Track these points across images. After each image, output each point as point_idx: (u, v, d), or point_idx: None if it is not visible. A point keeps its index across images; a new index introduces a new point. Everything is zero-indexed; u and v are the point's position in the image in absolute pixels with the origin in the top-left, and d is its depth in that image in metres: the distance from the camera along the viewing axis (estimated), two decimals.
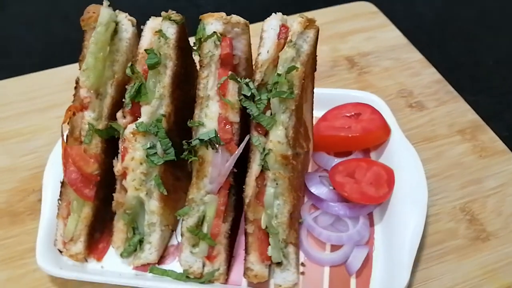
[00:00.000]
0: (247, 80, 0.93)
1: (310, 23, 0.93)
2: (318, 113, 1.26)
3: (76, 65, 1.07)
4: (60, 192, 1.02)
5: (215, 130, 0.93)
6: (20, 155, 1.29)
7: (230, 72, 0.94)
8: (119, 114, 0.99)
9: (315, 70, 1.04)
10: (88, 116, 0.99)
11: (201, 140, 0.93)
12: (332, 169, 1.11)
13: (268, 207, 0.95)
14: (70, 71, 1.49)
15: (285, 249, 0.96)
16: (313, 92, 1.10)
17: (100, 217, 1.04)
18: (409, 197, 1.04)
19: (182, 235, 0.98)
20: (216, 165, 0.95)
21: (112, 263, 1.03)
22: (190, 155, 0.95)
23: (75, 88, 0.99)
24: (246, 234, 0.96)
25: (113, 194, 0.99)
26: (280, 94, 0.91)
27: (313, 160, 1.20)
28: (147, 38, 0.99)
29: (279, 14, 0.95)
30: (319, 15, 1.64)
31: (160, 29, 0.95)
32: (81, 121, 0.99)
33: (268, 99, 0.92)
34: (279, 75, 0.91)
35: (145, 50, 0.96)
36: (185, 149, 0.95)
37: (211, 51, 0.93)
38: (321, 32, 1.53)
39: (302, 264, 1.01)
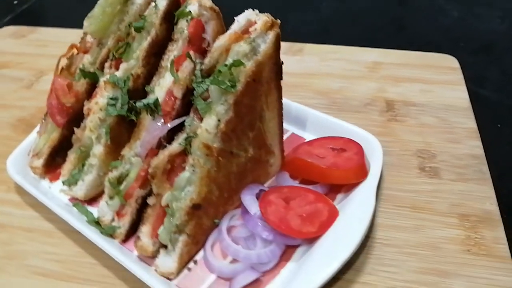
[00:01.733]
0: (197, 61, 0.95)
1: (273, 25, 0.90)
2: (313, 137, 1.20)
3: None
4: (45, 113, 1.18)
5: (157, 99, 0.97)
6: None
7: (189, 51, 0.96)
8: (106, 64, 1.11)
9: (280, 78, 0.99)
10: (86, 59, 1.14)
11: (144, 104, 0.98)
12: (276, 187, 1.04)
13: (177, 188, 0.94)
14: None
15: (174, 235, 0.94)
16: (281, 103, 1.04)
17: (66, 147, 1.16)
18: (334, 246, 0.91)
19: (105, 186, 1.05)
20: (149, 132, 0.99)
21: (58, 188, 1.15)
22: (131, 115, 1.01)
23: (84, 33, 1.15)
24: (146, 204, 0.97)
25: (75, 129, 1.11)
26: (219, 84, 0.90)
27: (276, 178, 1.13)
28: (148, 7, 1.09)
29: (255, 11, 0.94)
30: (392, 54, 1.56)
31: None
32: (79, 61, 1.15)
33: (208, 85, 0.92)
34: (225, 65, 0.91)
35: (139, 15, 1.06)
36: (129, 107, 1.01)
37: (182, 27, 0.98)
38: (380, 70, 1.43)
39: (195, 262, 0.97)
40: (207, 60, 0.94)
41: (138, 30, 1.04)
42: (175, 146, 0.95)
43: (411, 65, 1.51)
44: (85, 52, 1.14)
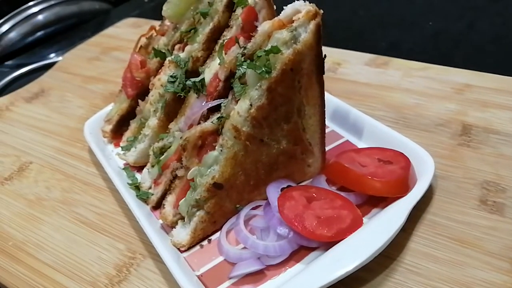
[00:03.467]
0: (242, 45, 0.97)
1: (316, 15, 0.88)
2: (364, 145, 1.13)
3: None
4: (122, 84, 1.32)
5: (203, 79, 1.02)
6: None
7: (237, 36, 1.00)
8: (176, 46, 1.21)
9: (322, 72, 0.96)
10: (162, 40, 1.25)
11: (192, 83, 1.04)
12: (304, 186, 1.00)
13: (204, 165, 0.97)
14: None
15: (193, 209, 0.97)
16: (323, 99, 1.00)
17: (133, 117, 1.28)
18: (341, 257, 0.84)
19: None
20: (192, 109, 1.04)
21: (119, 151, 1.27)
22: (181, 92, 1.07)
23: (163, 16, 1.26)
24: (176, 175, 1.02)
25: (139, 101, 1.22)
26: (255, 68, 0.91)
27: (312, 180, 1.08)
28: None
29: (306, 3, 0.93)
30: (487, 77, 1.39)
31: None
32: (156, 42, 1.26)
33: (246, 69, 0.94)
34: (264, 51, 0.91)
35: (208, 2, 1.13)
36: (182, 86, 1.08)
37: (237, 14, 1.02)
38: (467, 93, 1.29)
39: (209, 241, 0.99)
40: (249, 45, 0.96)
41: (204, 15, 1.11)
42: (208, 124, 0.98)
43: (506, 91, 1.33)
44: (163, 34, 1.25)
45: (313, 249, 0.93)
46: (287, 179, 1.04)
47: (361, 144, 1.16)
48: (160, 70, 1.19)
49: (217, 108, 1.00)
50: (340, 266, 0.82)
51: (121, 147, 1.24)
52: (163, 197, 1.07)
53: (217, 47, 1.06)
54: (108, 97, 1.57)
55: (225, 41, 1.01)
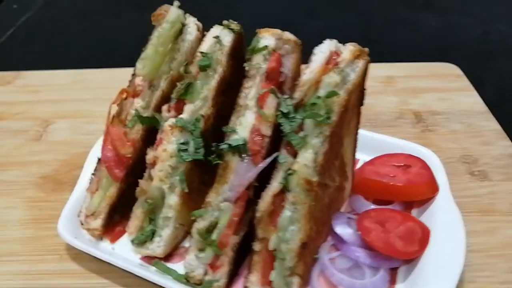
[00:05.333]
0: (287, 97, 0.93)
1: (361, 54, 0.91)
2: (366, 157, 1.21)
3: None
4: (95, 167, 1.08)
5: (245, 139, 0.93)
6: (80, 133, 1.40)
7: (271, 87, 0.94)
8: (164, 107, 1.04)
9: (361, 104, 1.01)
10: (137, 103, 1.06)
11: (230, 146, 0.93)
12: (363, 213, 1.04)
13: (281, 229, 0.91)
14: None
15: (289, 278, 0.90)
16: (358, 128, 1.06)
17: (124, 201, 1.07)
18: (442, 262, 0.93)
19: (192, 236, 0.98)
20: (238, 174, 0.94)
21: (123, 248, 1.05)
22: (216, 158, 0.95)
23: (132, 75, 1.07)
24: (252, 251, 0.92)
25: (139, 181, 1.02)
26: (315, 116, 0.89)
27: (349, 202, 1.13)
28: (207, 44, 1.04)
29: (334, 40, 0.95)
30: (398, 67, 1.64)
31: (218, 35, 1.00)
32: (129, 106, 1.06)
33: (303, 119, 0.91)
34: (318, 97, 0.90)
35: (201, 52, 1.01)
36: (213, 151, 0.96)
37: (259, 63, 0.95)
38: (394, 84, 1.50)
39: None
40: (297, 94, 0.92)
41: (204, 68, 0.99)
42: (275, 185, 0.91)
43: (420, 76, 1.61)
44: (135, 96, 1.06)
45: (397, 268, 0.99)
46: (335, 211, 1.06)
47: (361, 156, 1.23)
48: (158, 140, 1.01)
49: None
50: (449, 276, 0.90)
51: (132, 240, 1.02)
52: (231, 281, 0.95)
53: (240, 101, 0.96)
54: (43, 185, 1.23)
55: (258, 94, 0.94)
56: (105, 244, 1.06)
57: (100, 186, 1.06)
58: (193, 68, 1.01)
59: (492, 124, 1.39)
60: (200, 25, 1.07)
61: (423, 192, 1.08)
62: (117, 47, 1.99)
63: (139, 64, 1.03)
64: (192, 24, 1.07)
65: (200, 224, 0.96)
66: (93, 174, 1.08)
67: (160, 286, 0.95)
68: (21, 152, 1.34)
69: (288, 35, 0.94)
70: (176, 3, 1.04)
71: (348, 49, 0.92)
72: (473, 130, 1.38)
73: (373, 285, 0.93)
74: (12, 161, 1.31)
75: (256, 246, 0.91)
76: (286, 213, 0.91)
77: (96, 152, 1.19)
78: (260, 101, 0.94)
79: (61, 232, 1.03)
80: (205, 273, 0.96)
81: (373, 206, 1.10)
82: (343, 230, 1.01)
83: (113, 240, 1.06)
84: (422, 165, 1.13)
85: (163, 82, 1.06)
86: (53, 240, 1.08)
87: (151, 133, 1.06)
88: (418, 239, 0.98)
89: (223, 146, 0.94)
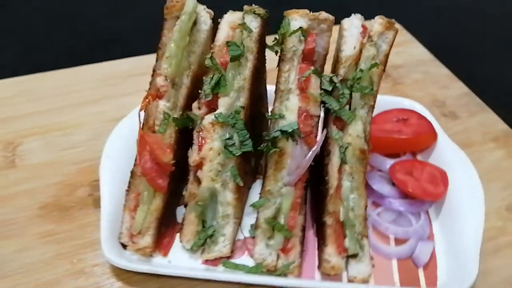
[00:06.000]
0: (330, 75, 0.97)
1: (390, 25, 0.98)
2: None
3: (112, 62, 1.11)
4: (129, 183, 0.99)
5: (296, 123, 0.94)
6: (61, 149, 1.24)
7: (312, 67, 0.96)
8: (195, 105, 0.99)
9: (384, 70, 1.09)
10: (163, 105, 0.98)
11: (283, 132, 0.94)
12: (391, 169, 1.15)
13: (345, 200, 0.97)
14: (107, 67, 1.49)
15: (361, 241, 0.98)
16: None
17: (167, 210, 1.01)
18: (466, 193, 1.08)
19: (257, 227, 0.98)
20: (295, 157, 0.96)
21: (179, 257, 1.00)
22: (270, 147, 0.95)
23: (152, 76, 0.99)
24: (324, 226, 0.97)
25: (187, 186, 0.98)
26: (362, 90, 0.95)
27: (370, 161, 1.23)
28: (225, 31, 1.00)
29: (358, 15, 0.99)
30: None
31: (244, 22, 0.97)
32: (155, 110, 0.98)
33: (350, 94, 0.96)
34: (361, 71, 0.95)
35: (227, 42, 0.97)
36: (265, 140, 0.96)
37: (295, 45, 0.96)
38: None
39: (371, 258, 1.03)
40: (341, 71, 0.96)
41: (236, 58, 0.96)
42: (336, 160, 0.96)
43: None
44: (159, 97, 0.98)
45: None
46: None
47: None
48: (198, 140, 0.97)
49: None
50: (476, 204, 1.07)
51: (191, 247, 0.98)
52: (302, 258, 0.99)
53: (281, 86, 0.96)
54: (47, 215, 1.07)
55: (304, 77, 0.94)
56: (158, 259, 1.00)
57: (141, 201, 0.97)
58: (217, 60, 0.97)
59: (443, 70, 1.61)
60: (212, 12, 1.02)
61: (428, 139, 1.22)
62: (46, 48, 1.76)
63: (164, 64, 0.95)
64: (204, 12, 1.01)
65: (266, 213, 0.97)
66: (127, 191, 0.99)
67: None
68: (2, 185, 1.14)
69: (324, 14, 0.95)
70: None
71: (378, 22, 0.97)
72: (431, 77, 1.57)
73: (422, 229, 1.05)
74: None
75: (328, 220, 0.96)
76: (346, 184, 0.97)
77: (107, 164, 1.08)
78: (306, 83, 0.95)
79: (111, 258, 0.94)
80: (278, 258, 0.98)
81: (389, 160, 1.21)
82: (381, 187, 1.11)
83: (166, 253, 1.00)
84: (417, 116, 1.27)
85: (186, 79, 1.00)
86: (94, 271, 0.98)
87: (182, 134, 1.00)
88: (441, 180, 1.12)
89: (276, 133, 0.94)
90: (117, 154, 1.12)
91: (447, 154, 1.19)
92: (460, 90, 1.53)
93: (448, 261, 1.01)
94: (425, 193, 1.08)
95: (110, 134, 1.16)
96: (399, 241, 1.05)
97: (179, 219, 1.05)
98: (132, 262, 0.96)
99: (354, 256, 0.98)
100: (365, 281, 0.97)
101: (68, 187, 1.14)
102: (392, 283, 0.98)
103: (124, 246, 1.00)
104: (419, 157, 1.25)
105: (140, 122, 0.97)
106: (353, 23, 0.97)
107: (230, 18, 1.01)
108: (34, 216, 1.08)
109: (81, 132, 1.29)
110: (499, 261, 1.04)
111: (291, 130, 0.93)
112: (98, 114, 1.34)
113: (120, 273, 0.98)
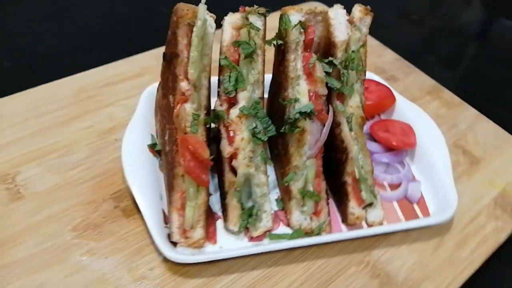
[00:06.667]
0: (330, 58, 1.13)
1: (367, 11, 1.17)
2: None
3: (76, 76, 1.36)
4: (171, 185, 1.05)
5: (311, 104, 1.10)
6: (64, 170, 1.22)
7: (313, 54, 1.12)
8: (217, 103, 1.09)
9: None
10: (190, 107, 1.05)
11: (301, 113, 1.09)
12: (371, 129, 1.38)
13: (356, 160, 1.16)
14: (73, 82, 1.46)
15: (374, 191, 1.18)
16: None
17: None
18: (429, 138, 1.35)
19: (291, 199, 1.12)
20: (313, 133, 1.12)
21: (226, 242, 1.10)
22: (292, 128, 1.10)
23: (175, 82, 1.04)
24: (345, 185, 1.15)
25: (226, 175, 1.07)
26: (357, 68, 1.14)
27: None
28: (229, 32, 1.10)
29: (339, 4, 1.16)
30: None
31: (250, 22, 1.08)
32: (184, 113, 1.05)
33: (348, 73, 1.14)
34: (353, 52, 1.14)
35: (238, 42, 1.07)
36: (287, 123, 1.10)
37: (297, 37, 1.10)
38: None
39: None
40: (339, 54, 1.13)
41: (249, 55, 1.07)
42: (346, 130, 1.14)
43: None
44: (185, 101, 1.05)
45: None
46: None
47: None
48: (228, 134, 1.07)
49: None
50: (439, 143, 1.35)
51: (239, 229, 1.09)
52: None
53: (290, 74, 1.10)
54: (84, 237, 1.08)
55: (311, 64, 1.09)
56: (209, 248, 1.09)
57: (188, 198, 1.05)
58: (231, 58, 1.07)
59: (374, 41, 1.88)
60: (215, 16, 1.10)
61: (390, 101, 1.47)
62: None
63: (191, 69, 1.02)
64: (208, 16, 1.09)
65: (297, 185, 1.12)
66: (170, 192, 1.05)
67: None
68: (16, 220, 1.09)
69: (320, 8, 1.10)
70: (203, 0, 1.03)
71: (358, 10, 1.16)
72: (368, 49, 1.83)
73: (408, 172, 1.31)
74: (17, 233, 1.06)
75: (348, 179, 1.15)
76: (355, 147, 1.16)
77: (131, 174, 1.12)
78: (313, 69, 1.10)
79: (175, 257, 1.01)
80: (311, 222, 1.14)
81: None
82: (369, 145, 1.32)
83: (214, 240, 1.10)
84: (375, 83, 1.51)
85: (205, 80, 1.08)
86: (154, 273, 1.04)
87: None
88: (410, 132, 1.38)
89: (296, 115, 1.09)
90: (136, 162, 1.15)
91: (405, 110, 1.46)
92: (392, 56, 1.82)
93: (432, 194, 1.27)
94: (404, 144, 1.33)
95: (123, 143, 1.18)
96: (393, 187, 1.29)
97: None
98: (192, 255, 1.03)
99: (370, 205, 1.18)
100: (381, 223, 1.18)
101: (90, 205, 1.15)
102: (398, 220, 1.22)
103: (174, 244, 1.06)
104: (383, 117, 1.50)
105: (179, 126, 1.03)
106: (338, 12, 1.15)
107: (231, 19, 1.11)
108: (69, 239, 1.07)
109: (78, 151, 1.27)
110: (462, 186, 1.34)
111: (309, 110, 1.08)
112: (87, 130, 1.33)
113: (178, 269, 1.05)
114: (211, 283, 1.04)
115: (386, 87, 1.49)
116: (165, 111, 1.14)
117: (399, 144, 1.32)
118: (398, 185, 1.29)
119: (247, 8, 1.09)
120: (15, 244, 1.05)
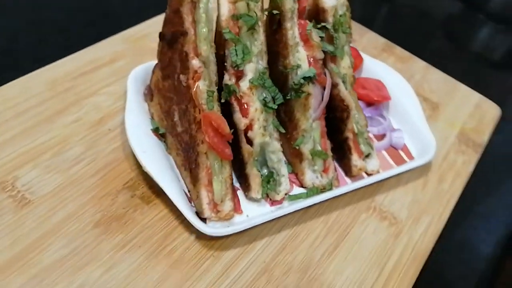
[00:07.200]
0: (323, 24, 1.19)
1: None
2: None
3: (47, 67, 1.27)
4: (196, 163, 1.06)
5: (313, 69, 1.16)
6: (66, 168, 1.15)
7: (308, 21, 1.17)
8: (226, 77, 1.10)
9: None
10: (203, 84, 1.06)
11: (305, 78, 1.15)
12: None
13: (353, 116, 1.26)
14: (46, 74, 1.36)
15: (370, 142, 1.30)
16: None
17: None
18: (399, 89, 1.50)
19: (302, 160, 1.19)
20: (316, 96, 1.18)
21: (251, 209, 1.15)
22: (298, 93, 1.15)
23: (186, 60, 1.04)
24: (347, 140, 1.25)
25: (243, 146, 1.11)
26: (346, 31, 1.22)
27: None
28: (226, 6, 1.11)
29: None
30: None
31: None
32: (199, 91, 1.05)
33: (339, 36, 1.21)
34: (341, 16, 1.21)
35: (239, 15, 1.09)
36: (292, 89, 1.15)
37: (292, 6, 1.14)
38: None
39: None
40: (331, 19, 1.19)
41: (252, 27, 1.09)
42: (343, 88, 1.23)
43: None
44: (197, 79, 1.05)
45: None
46: None
47: None
48: (241, 106, 1.10)
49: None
50: (408, 93, 1.50)
51: (261, 195, 1.13)
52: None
53: (290, 41, 1.14)
54: (110, 228, 1.05)
55: (309, 31, 1.14)
56: (237, 218, 1.12)
57: (214, 173, 1.06)
58: (233, 31, 1.09)
59: None
60: None
61: (359, 62, 1.58)
62: None
63: (204, 46, 1.02)
64: None
65: (308, 147, 1.19)
66: (195, 170, 1.06)
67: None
68: (32, 226, 1.02)
69: None
70: None
71: None
72: None
73: (389, 123, 1.44)
74: (38, 240, 1.00)
75: (349, 135, 1.24)
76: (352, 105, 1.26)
77: (146, 160, 1.10)
78: (310, 35, 1.16)
79: (214, 231, 1.04)
80: (321, 179, 1.23)
81: None
82: None
83: (240, 210, 1.13)
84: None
85: (212, 56, 1.08)
86: (190, 254, 1.05)
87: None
88: (383, 86, 1.52)
89: (301, 80, 1.15)
90: (147, 147, 1.14)
91: (373, 67, 1.58)
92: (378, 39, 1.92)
93: (412, 139, 1.42)
94: (382, 98, 1.46)
95: (128, 131, 1.15)
96: (378, 138, 1.42)
97: None
98: (224, 227, 1.06)
99: (367, 156, 1.30)
100: (378, 171, 1.31)
101: (106, 198, 1.11)
102: (390, 166, 1.35)
103: (204, 221, 1.09)
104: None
105: (199, 104, 1.03)
106: None
107: None
108: (96, 236, 1.04)
109: (73, 147, 1.20)
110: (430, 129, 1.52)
111: (313, 74, 1.15)
112: (75, 124, 1.25)
113: (212, 244, 1.08)
114: (246, 251, 1.09)
115: (354, 48, 1.59)
116: (170, 92, 1.13)
117: (378, 98, 1.45)
118: (383, 136, 1.42)
119: None
120: (40, 250, 0.99)
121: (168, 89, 1.13)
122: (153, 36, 1.54)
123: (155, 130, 1.21)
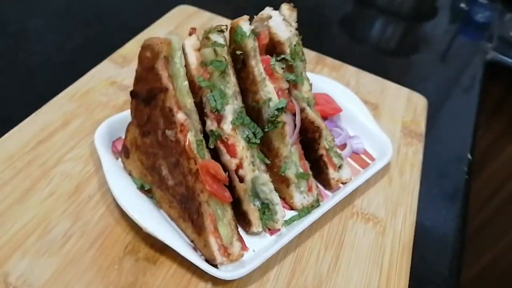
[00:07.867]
0: (282, 56, 1.27)
1: (292, 8, 1.33)
2: None
3: None
4: (199, 212, 1.07)
5: (282, 102, 1.23)
6: (57, 248, 1.08)
7: (269, 56, 1.24)
8: (208, 123, 1.13)
9: None
10: (191, 136, 1.07)
11: (279, 109, 1.22)
12: None
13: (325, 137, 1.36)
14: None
15: (339, 155, 1.40)
16: None
17: None
18: (345, 99, 1.64)
19: (289, 185, 1.26)
20: (289, 123, 1.26)
21: (254, 244, 1.18)
22: (275, 124, 1.22)
23: (171, 116, 1.04)
24: (322, 157, 1.34)
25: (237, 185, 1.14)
26: (302, 58, 1.31)
27: None
28: (193, 55, 1.14)
29: (268, 7, 1.30)
30: None
31: (215, 41, 1.13)
32: (189, 143, 1.06)
33: (296, 65, 1.30)
34: (295, 45, 1.30)
35: (209, 61, 1.12)
36: (269, 121, 1.21)
37: (253, 45, 1.20)
38: None
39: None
40: (288, 51, 1.27)
41: (223, 71, 1.13)
42: (310, 111, 1.31)
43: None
44: (186, 131, 1.06)
45: None
46: None
47: None
48: (230, 149, 1.14)
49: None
50: (354, 100, 1.65)
51: (261, 229, 1.18)
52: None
53: (257, 78, 1.20)
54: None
55: (273, 65, 1.21)
56: (245, 255, 1.15)
57: (218, 218, 1.08)
58: (206, 77, 1.13)
59: None
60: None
61: None
62: None
63: (188, 99, 1.04)
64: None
65: (292, 171, 1.26)
66: (199, 220, 1.07)
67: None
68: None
69: (266, 13, 1.21)
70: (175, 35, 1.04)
71: (285, 8, 1.31)
72: None
73: (346, 132, 1.57)
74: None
75: (323, 152, 1.34)
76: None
77: (146, 220, 1.09)
78: (274, 69, 1.23)
79: (230, 276, 1.06)
80: (307, 198, 1.31)
81: None
82: None
83: (246, 247, 1.16)
84: None
85: (191, 105, 1.10)
86: None
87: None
88: (332, 101, 1.64)
89: (276, 112, 1.21)
90: (142, 208, 1.12)
91: (316, 82, 1.69)
92: None
93: (369, 142, 1.57)
94: (335, 110, 1.58)
95: (116, 196, 1.12)
96: (341, 147, 1.54)
97: None
98: (237, 269, 1.09)
99: (339, 167, 1.40)
100: (351, 178, 1.42)
101: (110, 269, 1.06)
102: (358, 172, 1.48)
103: (215, 267, 1.10)
104: None
105: (197, 158, 1.04)
106: (273, 14, 1.28)
107: (191, 42, 1.14)
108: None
109: (57, 224, 1.12)
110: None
111: (284, 105, 1.22)
112: (50, 198, 1.17)
113: (229, 286, 1.10)
114: (262, 284, 1.13)
115: None
116: (153, 148, 1.12)
117: (332, 111, 1.57)
118: (344, 145, 1.54)
119: (205, 29, 1.14)
120: None
121: (151, 145, 1.12)
122: (97, 89, 1.50)
123: (142, 188, 1.19)
